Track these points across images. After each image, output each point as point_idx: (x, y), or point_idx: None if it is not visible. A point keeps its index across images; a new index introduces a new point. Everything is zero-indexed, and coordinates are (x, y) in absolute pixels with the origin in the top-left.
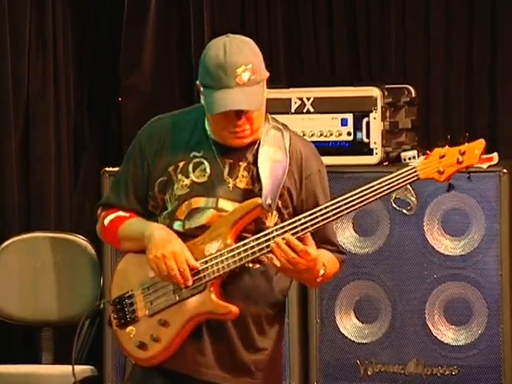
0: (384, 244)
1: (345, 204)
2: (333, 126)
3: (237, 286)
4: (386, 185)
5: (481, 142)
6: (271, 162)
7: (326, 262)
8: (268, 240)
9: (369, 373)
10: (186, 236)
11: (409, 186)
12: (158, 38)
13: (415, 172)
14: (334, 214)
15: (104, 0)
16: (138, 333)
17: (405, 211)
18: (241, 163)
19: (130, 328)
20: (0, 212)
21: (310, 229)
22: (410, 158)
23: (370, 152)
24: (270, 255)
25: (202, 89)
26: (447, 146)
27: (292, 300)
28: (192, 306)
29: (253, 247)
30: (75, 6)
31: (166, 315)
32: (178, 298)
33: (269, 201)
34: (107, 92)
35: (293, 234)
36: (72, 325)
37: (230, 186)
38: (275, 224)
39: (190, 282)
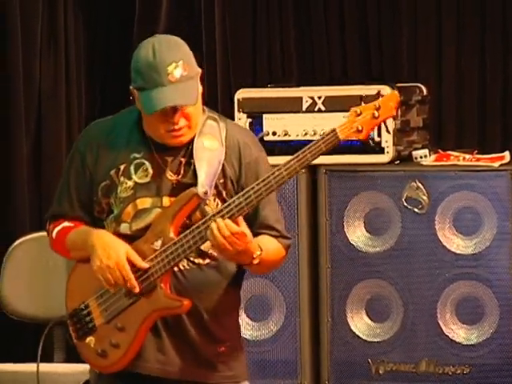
0: (395, 243)
1: (274, 178)
2: None
3: (189, 282)
4: (309, 152)
5: (394, 94)
6: (207, 152)
7: (262, 244)
8: (207, 226)
9: (380, 372)
10: (133, 238)
11: (420, 185)
12: None
13: (335, 134)
14: (266, 190)
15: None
16: (97, 341)
17: (416, 210)
18: (182, 159)
19: (89, 338)
20: (12, 211)
21: (245, 208)
22: (421, 157)
23: (381, 151)
24: (209, 235)
25: (137, 93)
26: (363, 104)
27: (303, 299)
28: (145, 306)
29: (194, 236)
30: (87, 5)
31: (122, 320)
32: (130, 301)
33: (204, 188)
34: (119, 92)
35: (230, 217)
36: None
37: (174, 182)
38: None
39: (137, 289)
